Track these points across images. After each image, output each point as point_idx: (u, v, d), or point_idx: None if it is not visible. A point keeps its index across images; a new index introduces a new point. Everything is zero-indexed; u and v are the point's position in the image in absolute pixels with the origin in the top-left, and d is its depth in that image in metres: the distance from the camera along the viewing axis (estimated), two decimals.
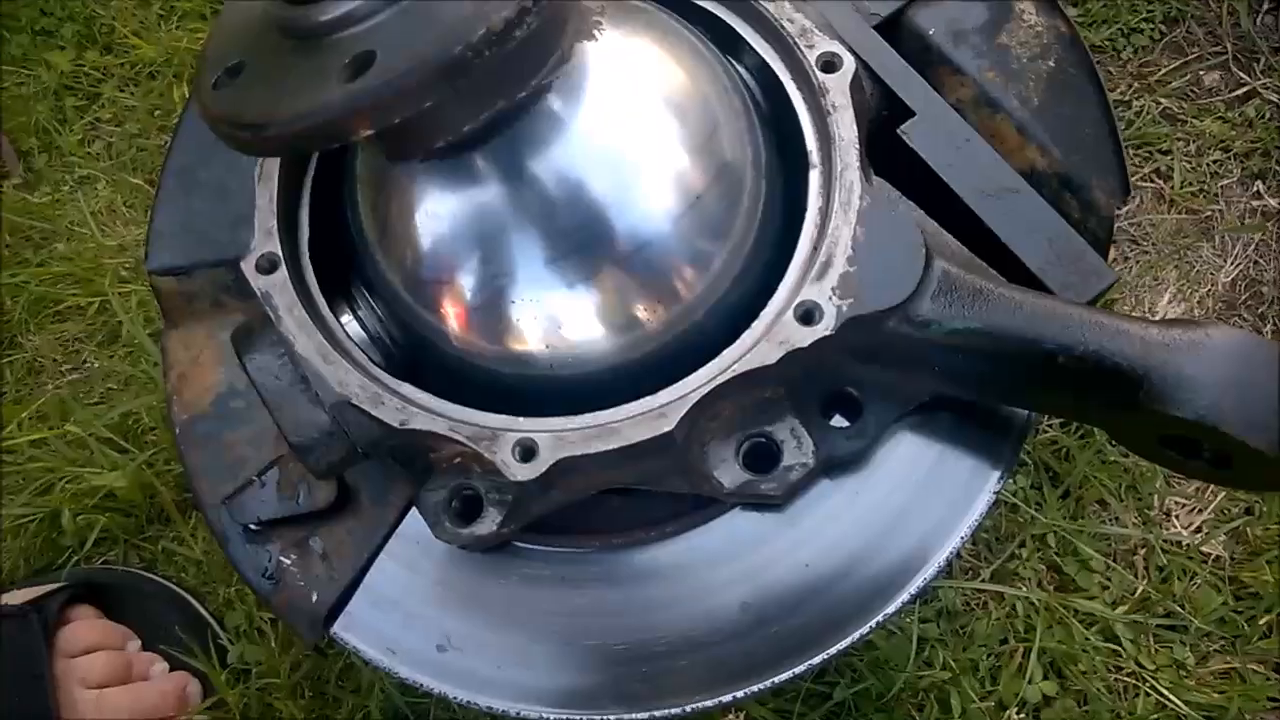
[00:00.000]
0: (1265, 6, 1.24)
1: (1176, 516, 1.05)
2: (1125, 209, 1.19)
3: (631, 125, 0.57)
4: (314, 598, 0.69)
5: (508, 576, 0.68)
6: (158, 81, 1.37)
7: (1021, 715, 0.98)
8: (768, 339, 0.55)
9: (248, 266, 0.61)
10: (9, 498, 1.09)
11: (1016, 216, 0.63)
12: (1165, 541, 1.03)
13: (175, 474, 1.08)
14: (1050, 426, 1.07)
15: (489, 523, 0.62)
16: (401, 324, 0.63)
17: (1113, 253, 1.18)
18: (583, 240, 0.56)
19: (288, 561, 0.70)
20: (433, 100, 0.44)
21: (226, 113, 0.48)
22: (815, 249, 0.58)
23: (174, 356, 0.77)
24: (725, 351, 0.56)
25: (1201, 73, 1.24)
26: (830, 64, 0.62)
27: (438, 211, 0.56)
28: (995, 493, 0.65)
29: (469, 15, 0.43)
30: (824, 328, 0.55)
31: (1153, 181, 1.20)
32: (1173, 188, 1.19)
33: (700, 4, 0.66)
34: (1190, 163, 1.20)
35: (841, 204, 0.58)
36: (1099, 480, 1.04)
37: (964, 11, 0.70)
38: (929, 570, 0.64)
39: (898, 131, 0.65)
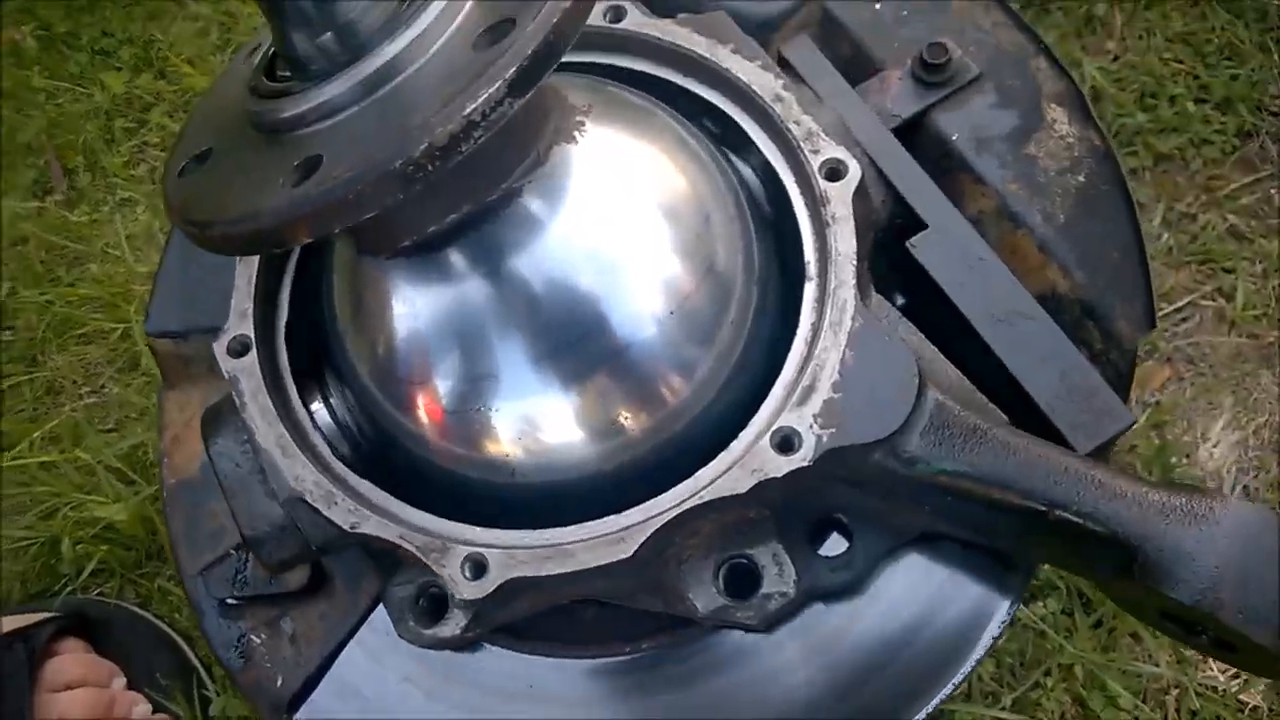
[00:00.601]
0: None
1: (1213, 661, 0.99)
2: (1183, 327, 1.13)
3: (614, 227, 0.54)
4: (279, 681, 0.67)
5: (472, 682, 0.65)
6: None
7: None
8: (741, 465, 0.51)
9: (219, 348, 0.59)
10: (12, 519, 1.09)
11: (1029, 345, 0.58)
12: (1200, 685, 0.96)
13: None
14: None
15: (453, 625, 0.59)
16: (368, 416, 0.60)
17: (1168, 371, 1.12)
18: (559, 342, 0.53)
19: (258, 640, 0.68)
20: (378, 209, 0.41)
21: (179, 203, 0.46)
22: (801, 370, 0.54)
23: (169, 417, 0.76)
24: (698, 473, 0.53)
25: (1273, 191, 1.17)
26: (835, 171, 0.58)
27: (406, 307, 0.54)
28: (997, 634, 0.61)
29: (415, 126, 0.40)
30: (801, 458, 0.51)
31: (1214, 300, 1.14)
32: (1235, 309, 1.12)
33: (708, 99, 0.63)
34: (1255, 284, 1.14)
35: (832, 324, 0.54)
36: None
37: (991, 118, 0.66)
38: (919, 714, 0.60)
39: (907, 245, 0.61)
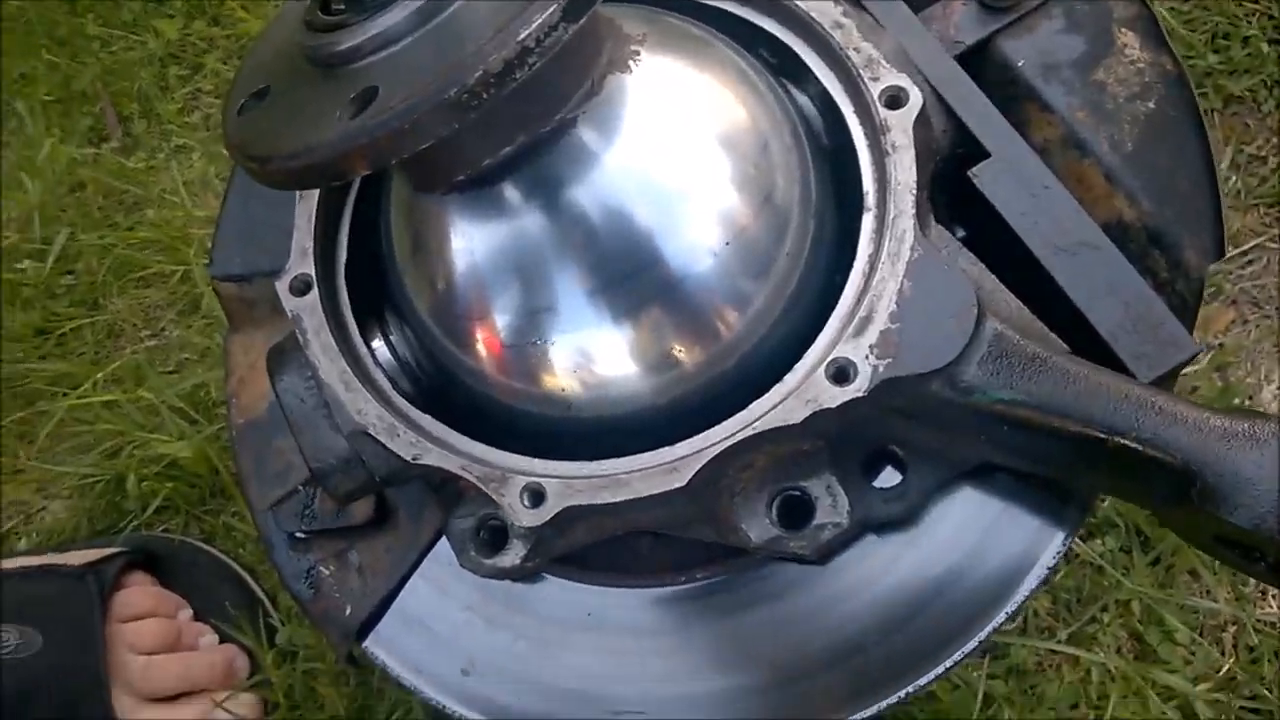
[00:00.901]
0: None
1: (1274, 596, 0.97)
2: (1249, 270, 1.10)
3: (670, 157, 0.53)
4: (347, 610, 0.69)
5: (533, 611, 0.66)
6: None
7: None
8: (795, 396, 0.51)
9: (282, 287, 0.60)
10: (77, 457, 1.11)
11: (1093, 275, 0.57)
12: (1259, 621, 0.95)
13: None
14: None
15: (513, 555, 0.60)
16: (428, 352, 0.61)
17: (1232, 313, 1.10)
18: (614, 274, 0.53)
19: (326, 572, 0.70)
20: (433, 140, 0.41)
21: (239, 140, 0.47)
22: (858, 301, 0.53)
23: (235, 360, 0.77)
24: (752, 404, 0.53)
25: None
26: (895, 99, 0.57)
27: (463, 242, 0.54)
28: (1051, 565, 0.60)
29: (470, 54, 0.40)
30: (856, 388, 0.51)
31: None
32: None
33: (765, 28, 0.62)
34: None
35: (890, 254, 0.53)
36: (1193, 549, 0.97)
37: (1058, 42, 0.64)
38: (968, 645, 0.60)
39: (968, 174, 0.60)
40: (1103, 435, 0.49)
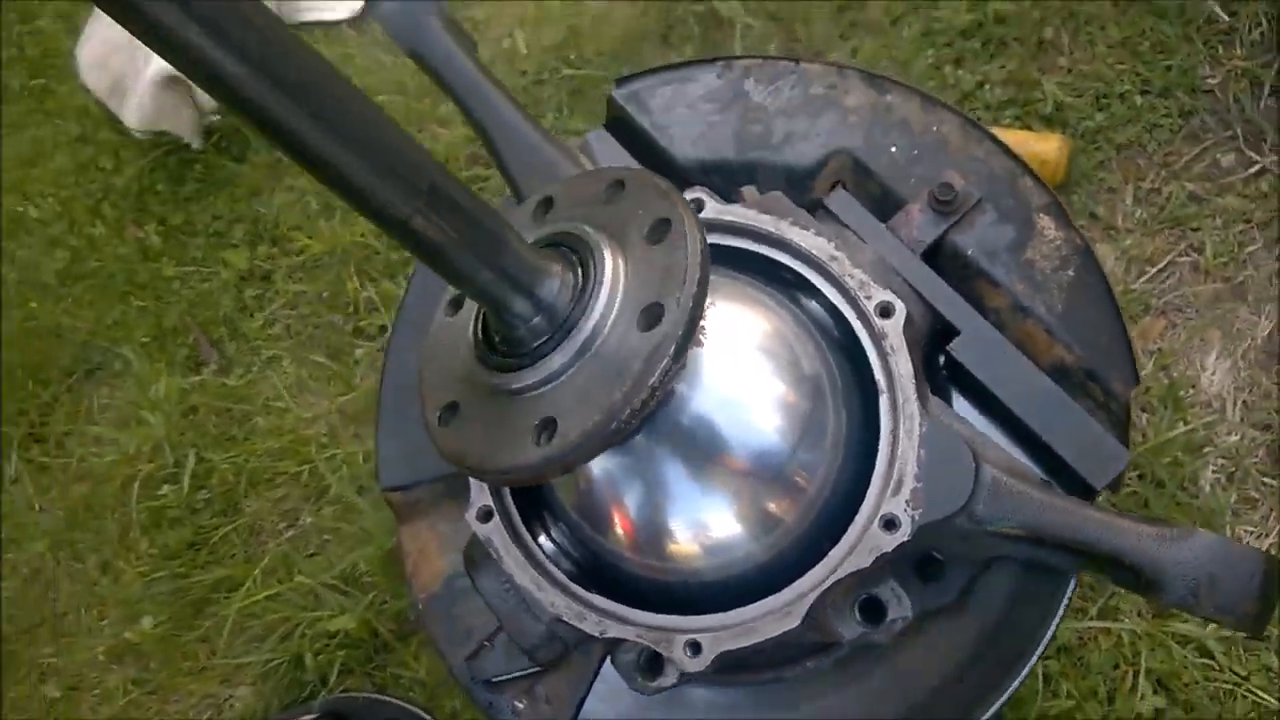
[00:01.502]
0: (1267, 92, 1.36)
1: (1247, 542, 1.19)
2: (1168, 284, 1.33)
3: (736, 379, 0.74)
4: None
5: (684, 712, 0.87)
6: (326, 271, 1.59)
7: None
8: (861, 545, 0.72)
9: (470, 516, 0.80)
10: (255, 645, 1.31)
11: (1049, 414, 0.79)
12: None
13: (391, 610, 1.29)
14: (1130, 480, 1.22)
15: (669, 678, 0.80)
16: (579, 541, 0.81)
17: (1163, 322, 1.32)
18: (716, 474, 0.74)
19: (520, 705, 0.90)
20: (600, 454, 0.62)
21: (453, 451, 0.66)
22: (890, 466, 0.75)
23: (407, 547, 0.97)
24: (830, 553, 0.73)
25: (1218, 156, 1.37)
26: (886, 310, 0.78)
27: (603, 471, 0.75)
28: (1061, 614, 0.81)
29: (619, 399, 0.59)
30: (903, 534, 0.72)
31: (1188, 256, 1.34)
32: (1206, 259, 1.32)
33: (782, 260, 0.83)
34: (1219, 235, 1.33)
35: (906, 431, 0.75)
36: (1176, 517, 1.18)
37: (994, 232, 0.86)
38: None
39: (948, 350, 0.81)
40: (1077, 545, 0.70)
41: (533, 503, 0.83)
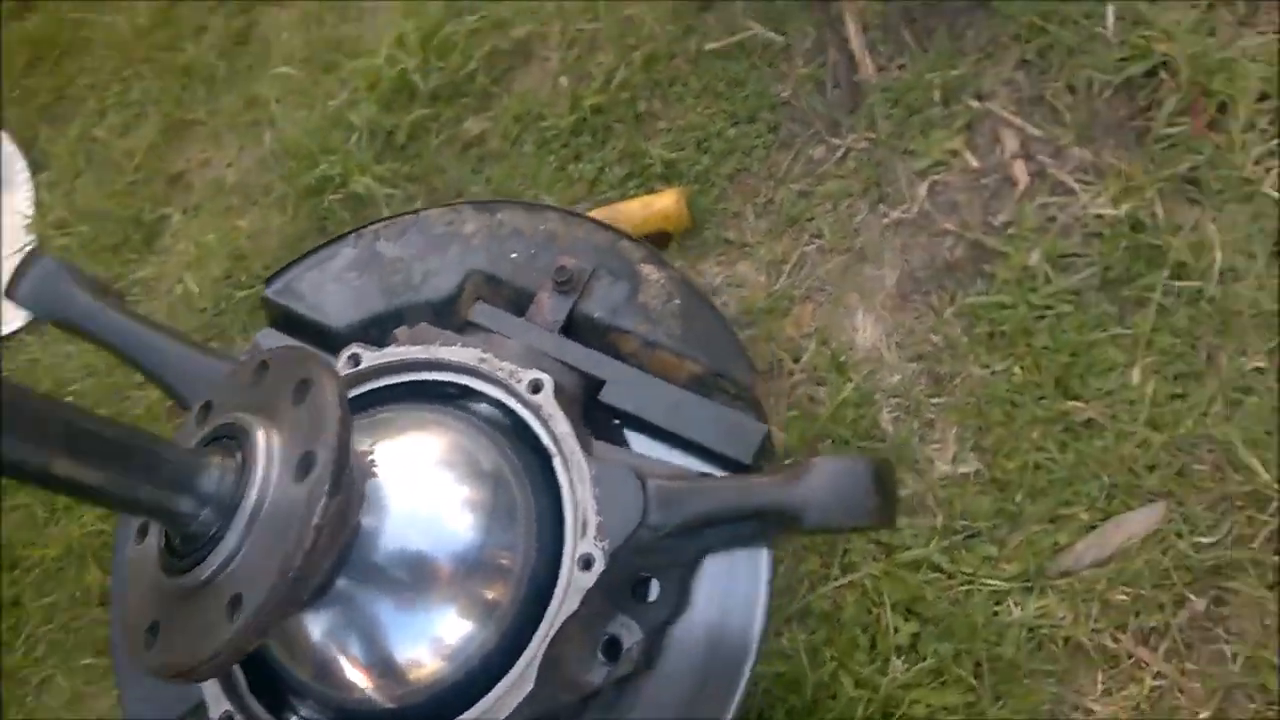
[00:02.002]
0: (830, 86, 1.59)
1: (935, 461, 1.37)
2: (802, 273, 1.51)
3: (420, 498, 0.84)
4: None
5: None
6: (68, 572, 1.59)
7: (902, 659, 1.27)
8: (570, 590, 0.82)
9: None
10: None
11: (692, 418, 0.92)
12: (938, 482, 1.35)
13: None
14: (824, 449, 1.37)
15: None
16: (331, 707, 0.86)
17: (809, 306, 1.50)
18: (431, 585, 0.82)
19: None
20: (297, 609, 0.69)
21: (161, 666, 0.70)
22: (575, 515, 0.85)
23: None
24: (549, 608, 0.83)
25: (810, 152, 1.57)
26: (536, 386, 0.90)
27: (324, 624, 0.81)
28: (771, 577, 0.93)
29: (289, 550, 0.65)
30: (599, 567, 0.82)
31: (813, 243, 1.53)
32: (827, 240, 1.51)
33: (444, 380, 0.93)
34: (831, 217, 1.53)
35: (579, 479, 0.86)
36: None
37: (611, 292, 1.00)
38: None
39: (599, 398, 0.93)
40: (739, 516, 0.83)
41: (272, 692, 0.88)
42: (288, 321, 1.06)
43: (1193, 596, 1.25)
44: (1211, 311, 1.35)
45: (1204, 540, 1.27)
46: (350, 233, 1.08)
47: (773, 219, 1.55)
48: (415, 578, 0.82)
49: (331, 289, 1.06)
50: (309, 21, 1.93)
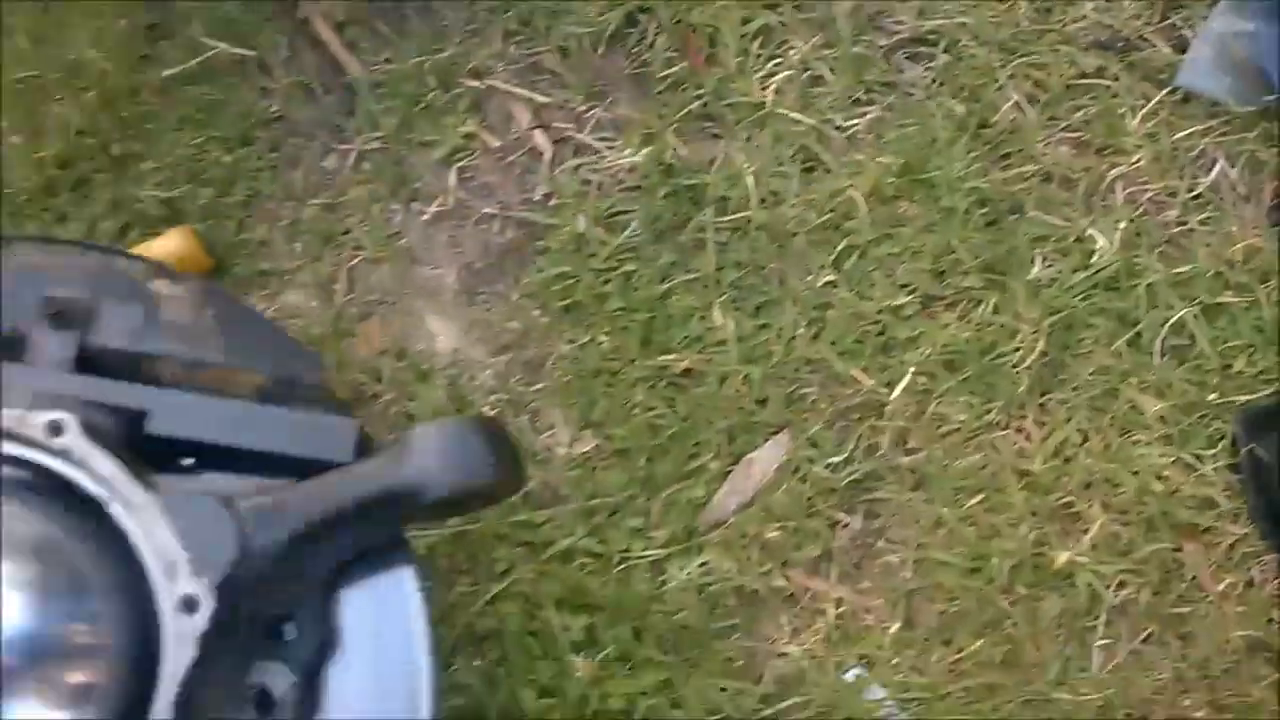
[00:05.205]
0: (321, 91, 1.61)
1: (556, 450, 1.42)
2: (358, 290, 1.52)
3: None
4: None
5: None
6: None
7: (582, 655, 1.30)
8: (179, 641, 0.75)
9: None
10: None
11: (271, 430, 0.88)
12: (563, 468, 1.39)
13: None
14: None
15: None
16: None
17: (375, 321, 1.51)
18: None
19: None
20: None
21: None
22: (158, 560, 0.77)
23: None
24: (161, 675, 0.75)
25: (322, 164, 1.58)
26: (56, 428, 0.79)
27: None
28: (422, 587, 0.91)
29: None
30: (207, 606, 0.76)
31: (358, 255, 1.53)
32: (370, 251, 1.53)
33: None
34: (367, 225, 1.54)
35: (149, 520, 0.78)
36: None
37: (123, 316, 0.92)
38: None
39: (149, 434, 0.87)
40: (352, 508, 0.81)
41: None
42: None
43: (844, 516, 1.40)
44: (766, 238, 1.52)
45: (835, 459, 1.41)
46: None
47: (305, 239, 1.53)
48: None
49: None
50: None
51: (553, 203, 1.54)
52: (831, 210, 1.52)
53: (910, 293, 1.51)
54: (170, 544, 0.78)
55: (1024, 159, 1.59)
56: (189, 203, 1.55)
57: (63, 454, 0.81)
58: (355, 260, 1.54)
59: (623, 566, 1.35)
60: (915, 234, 1.53)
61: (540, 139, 1.58)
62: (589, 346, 1.46)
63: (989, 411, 1.47)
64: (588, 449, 1.41)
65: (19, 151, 1.59)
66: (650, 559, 1.35)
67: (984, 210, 1.55)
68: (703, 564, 1.35)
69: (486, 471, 0.81)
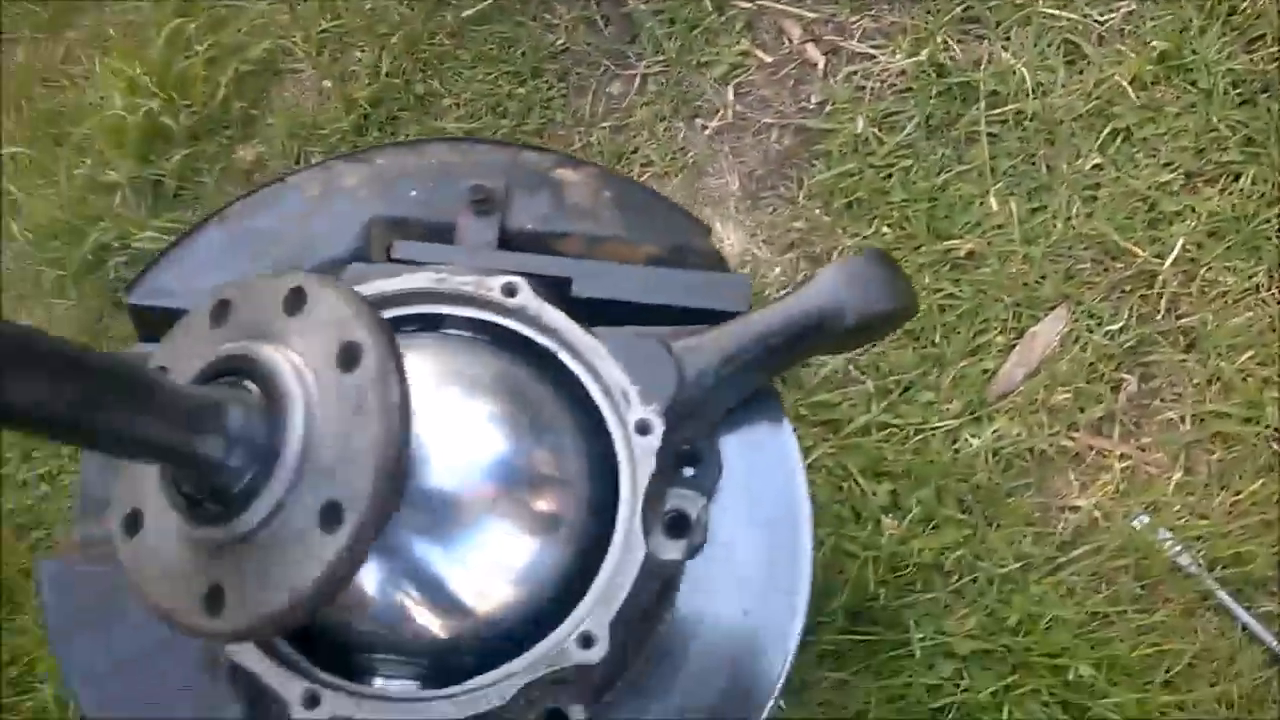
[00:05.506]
0: (603, 23, 1.75)
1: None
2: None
3: (444, 413, 0.85)
4: None
5: None
6: None
7: (891, 517, 1.41)
8: (639, 456, 0.88)
9: None
10: None
11: (675, 289, 1.01)
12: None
13: None
14: None
15: None
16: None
17: None
18: (485, 507, 0.86)
19: None
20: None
21: (243, 626, 0.63)
22: (607, 396, 0.91)
23: None
24: (622, 484, 0.89)
25: (607, 90, 1.73)
26: (510, 289, 0.94)
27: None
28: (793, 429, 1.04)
29: (288, 597, 0.61)
30: (659, 428, 0.89)
31: (648, 171, 1.67)
32: (659, 165, 1.66)
33: (399, 315, 0.94)
34: (654, 143, 1.68)
35: (597, 360, 0.90)
36: None
37: (535, 202, 1.06)
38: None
39: (572, 296, 1.02)
40: (780, 333, 0.92)
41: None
42: (164, 320, 1.03)
43: (1126, 376, 1.48)
44: (1036, 128, 1.60)
45: (1112, 328, 1.50)
46: (210, 216, 1.09)
47: (598, 160, 1.68)
48: (472, 498, 0.85)
49: (207, 277, 1.03)
50: (12, 104, 1.89)
51: (828, 109, 1.64)
52: (1097, 98, 1.59)
53: (1174, 170, 1.57)
54: (620, 378, 0.91)
55: (1271, 40, 1.63)
56: (488, 133, 1.71)
57: (517, 312, 0.95)
58: (645, 176, 1.67)
59: (919, 437, 1.46)
60: (1176, 116, 1.59)
61: (812, 51, 1.68)
62: (872, 238, 1.56)
63: (1255, 275, 1.52)
64: None
65: (332, 95, 1.77)
66: (944, 429, 1.46)
67: (1238, 90, 1.60)
68: (994, 431, 1.45)
69: (889, 298, 0.91)
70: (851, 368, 1.51)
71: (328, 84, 1.77)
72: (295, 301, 0.69)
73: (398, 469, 0.63)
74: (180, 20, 1.81)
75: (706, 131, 1.68)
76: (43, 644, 1.51)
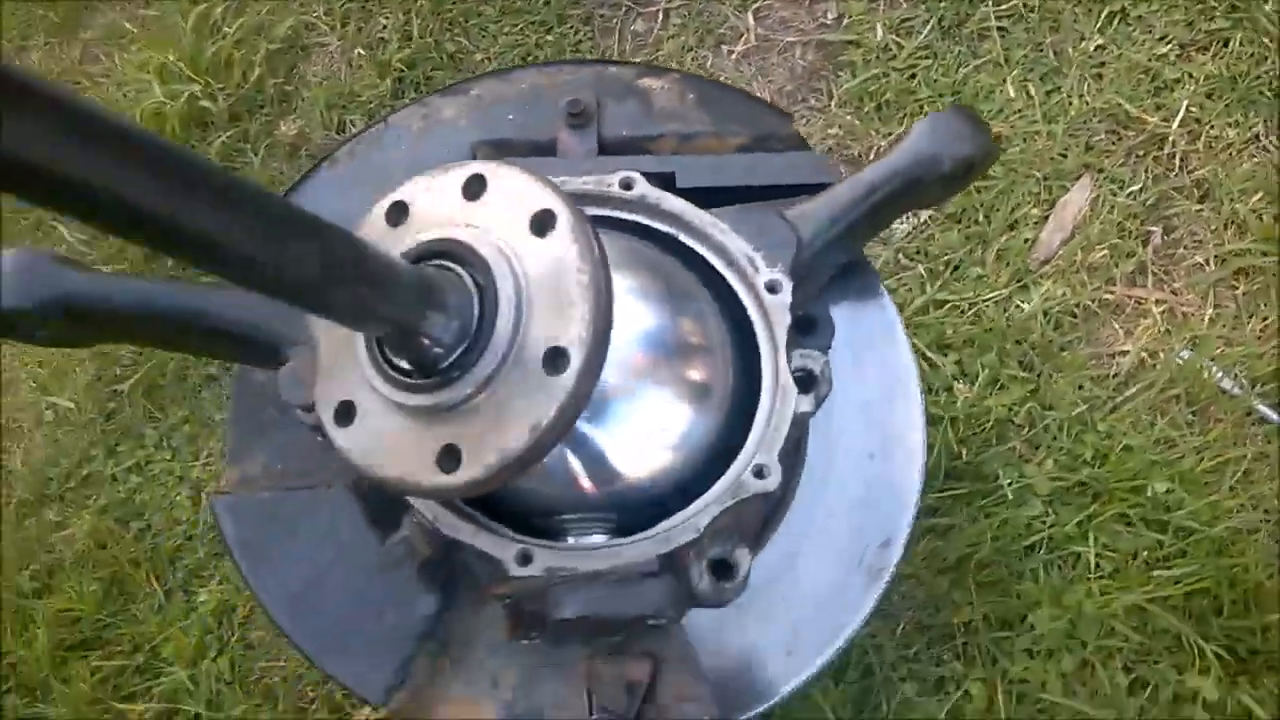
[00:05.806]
0: None
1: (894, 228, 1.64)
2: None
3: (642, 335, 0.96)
4: None
5: None
6: None
7: (961, 382, 1.52)
8: (772, 312, 0.99)
9: None
10: None
11: (770, 169, 1.11)
12: (903, 241, 1.61)
13: None
14: None
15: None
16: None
17: None
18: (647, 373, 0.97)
19: None
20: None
21: (480, 476, 0.69)
22: (731, 267, 1.02)
23: None
24: (759, 339, 1.00)
25: (632, 28, 1.82)
26: (627, 183, 1.04)
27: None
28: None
29: (526, 436, 0.67)
30: (788, 286, 0.99)
31: None
32: None
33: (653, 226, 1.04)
34: None
35: (719, 234, 1.00)
36: None
37: (625, 111, 1.14)
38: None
39: (677, 188, 1.11)
40: (884, 184, 1.01)
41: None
42: None
43: (1152, 229, 1.60)
44: (1040, 18, 1.71)
45: (1134, 189, 1.61)
46: (320, 161, 1.17)
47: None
48: (647, 363, 0.94)
49: (331, 210, 1.11)
50: None
51: (845, 22, 1.74)
52: None
53: (1169, 42, 1.68)
54: (745, 246, 1.01)
55: None
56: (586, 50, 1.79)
57: (636, 202, 1.04)
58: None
59: (974, 310, 1.56)
60: None
61: None
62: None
63: (1254, 126, 1.64)
64: (923, 219, 1.63)
65: (364, 62, 1.86)
66: (996, 299, 1.56)
67: None
68: (1042, 294, 1.56)
69: (987, 141, 1.00)
70: (901, 256, 1.61)
71: (360, 51, 1.85)
72: (475, 187, 0.74)
73: (608, 309, 0.69)
74: (205, 5, 1.88)
75: (733, 56, 1.77)
76: (164, 628, 1.59)
